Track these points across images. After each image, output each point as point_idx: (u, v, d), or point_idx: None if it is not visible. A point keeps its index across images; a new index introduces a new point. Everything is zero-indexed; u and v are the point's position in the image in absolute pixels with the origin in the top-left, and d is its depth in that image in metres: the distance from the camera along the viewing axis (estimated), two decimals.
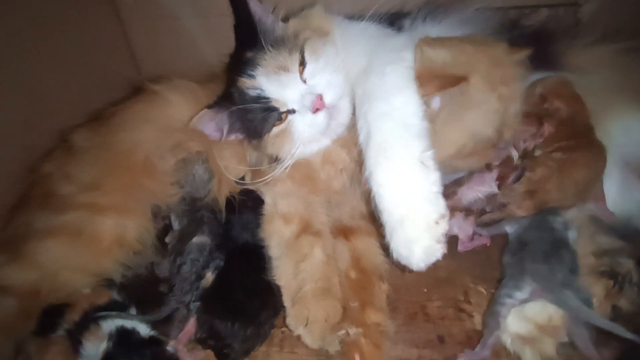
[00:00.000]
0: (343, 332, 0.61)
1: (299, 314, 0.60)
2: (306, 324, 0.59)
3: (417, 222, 0.53)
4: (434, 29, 0.73)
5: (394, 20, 0.75)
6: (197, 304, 0.64)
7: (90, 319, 0.58)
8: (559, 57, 0.76)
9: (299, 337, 0.61)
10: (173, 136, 0.72)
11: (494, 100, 0.61)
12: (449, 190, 0.71)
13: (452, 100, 0.60)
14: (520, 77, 0.64)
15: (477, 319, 0.67)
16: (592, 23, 0.85)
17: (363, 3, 0.80)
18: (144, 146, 0.70)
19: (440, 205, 0.53)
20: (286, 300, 0.63)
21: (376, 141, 0.57)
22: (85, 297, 0.62)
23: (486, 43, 0.66)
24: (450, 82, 0.58)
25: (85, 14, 0.91)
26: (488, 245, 0.73)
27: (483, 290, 0.71)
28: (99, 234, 0.64)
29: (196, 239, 0.67)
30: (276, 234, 0.67)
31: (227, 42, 0.97)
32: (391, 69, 0.61)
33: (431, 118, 0.59)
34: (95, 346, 0.56)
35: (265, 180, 0.69)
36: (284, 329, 0.65)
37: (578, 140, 0.68)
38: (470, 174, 0.72)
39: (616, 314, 0.60)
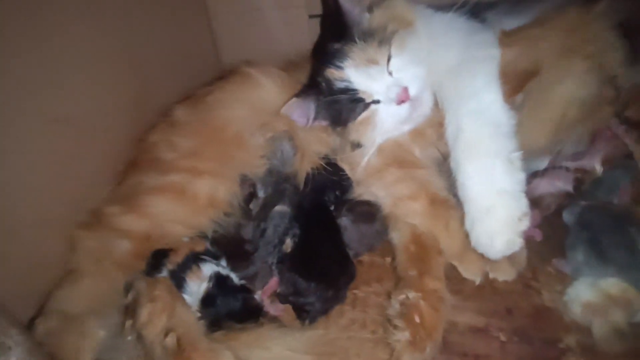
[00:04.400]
0: (403, 296, 0.65)
1: (474, 264, 0.66)
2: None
3: (502, 216, 0.57)
4: (515, 22, 0.75)
5: (476, 12, 0.77)
6: (279, 265, 0.72)
7: (191, 262, 0.68)
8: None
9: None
10: (262, 116, 0.80)
11: (580, 62, 0.62)
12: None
13: (531, 91, 0.62)
14: (606, 28, 0.63)
15: (546, 296, 0.68)
16: None
17: None
18: (236, 123, 0.78)
19: (524, 203, 0.58)
20: (453, 258, 0.68)
21: (466, 136, 0.61)
22: (185, 244, 0.72)
23: (557, 17, 0.66)
24: (522, 81, 0.61)
25: (175, 4, 1.02)
26: (539, 240, 0.74)
27: (552, 270, 0.72)
28: (196, 193, 0.73)
29: (278, 207, 0.75)
30: (409, 214, 0.72)
31: (303, 32, 1.06)
32: (481, 67, 0.64)
33: (518, 109, 0.61)
34: (197, 285, 0.66)
35: (360, 167, 0.75)
36: (355, 290, 0.72)
37: None
38: (550, 168, 0.72)
39: None
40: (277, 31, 1.09)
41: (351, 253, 0.78)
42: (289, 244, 0.74)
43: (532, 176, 0.75)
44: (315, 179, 0.80)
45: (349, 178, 0.80)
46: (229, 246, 0.75)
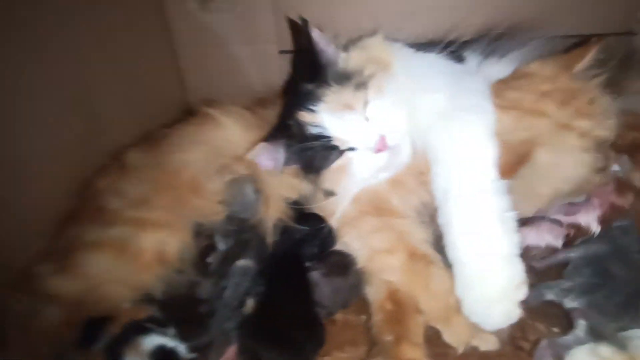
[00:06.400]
0: None
1: (461, 330, 0.59)
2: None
3: (498, 283, 0.53)
4: (495, 66, 0.73)
5: (454, 51, 0.74)
6: (237, 330, 0.63)
7: (130, 333, 0.58)
8: (622, 85, 0.73)
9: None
10: (222, 158, 0.73)
11: (574, 139, 0.59)
12: None
13: (526, 172, 0.59)
14: (598, 92, 0.62)
15: None
16: None
17: (420, 30, 0.82)
18: (192, 166, 0.71)
19: (520, 269, 0.54)
20: (436, 321, 0.61)
21: (458, 193, 0.57)
22: (125, 310, 0.62)
23: (546, 75, 0.63)
24: (519, 161, 0.57)
25: (139, 37, 0.96)
26: None
27: (543, 327, 0.65)
28: (141, 248, 0.65)
29: (241, 262, 0.67)
30: (386, 269, 0.66)
31: (273, 68, 1.02)
32: (476, 121, 0.60)
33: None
34: None
35: (335, 217, 0.69)
36: (326, 357, 0.63)
37: None
38: (540, 218, 0.68)
39: None
40: (246, 67, 1.04)
41: (323, 312, 0.69)
42: (250, 305, 0.65)
43: (522, 222, 0.69)
44: (288, 229, 0.72)
45: (331, 231, 0.72)
46: (181, 310, 0.65)
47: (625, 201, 0.65)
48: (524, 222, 0.69)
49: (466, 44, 0.78)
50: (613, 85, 0.73)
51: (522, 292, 0.53)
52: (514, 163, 0.56)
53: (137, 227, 0.66)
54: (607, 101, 0.63)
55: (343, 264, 0.70)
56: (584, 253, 0.64)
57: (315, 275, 0.70)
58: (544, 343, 0.58)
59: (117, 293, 0.63)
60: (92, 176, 0.75)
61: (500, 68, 0.73)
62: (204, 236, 0.70)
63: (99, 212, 0.68)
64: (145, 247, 0.65)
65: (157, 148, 0.74)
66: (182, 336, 0.61)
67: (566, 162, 0.59)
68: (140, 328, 0.59)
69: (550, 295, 0.61)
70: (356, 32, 0.80)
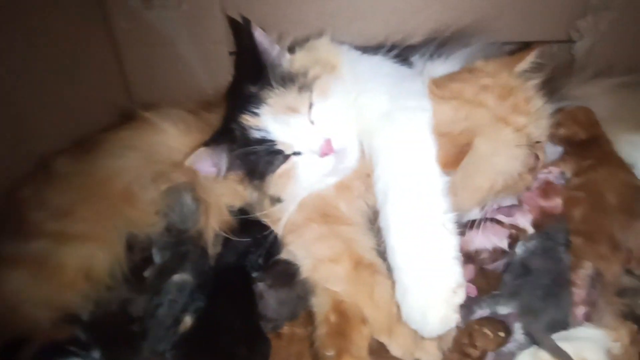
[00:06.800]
0: None
1: (404, 341, 0.57)
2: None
3: (435, 289, 0.52)
4: (440, 68, 0.72)
5: (402, 55, 0.74)
6: (172, 351, 0.59)
7: (47, 357, 0.53)
8: (562, 91, 0.75)
9: None
10: (159, 165, 0.69)
11: (510, 133, 0.59)
12: (458, 230, 0.67)
13: (466, 163, 0.58)
14: (534, 92, 0.63)
15: None
16: (586, 60, 0.85)
17: (369, 33, 0.81)
18: (126, 174, 0.67)
19: (458, 273, 0.53)
20: (380, 332, 0.59)
21: (395, 195, 0.56)
22: (44, 332, 0.56)
23: (488, 71, 0.64)
24: (460, 153, 0.57)
25: (78, 36, 0.90)
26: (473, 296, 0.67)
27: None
28: (63, 264, 0.60)
29: (177, 277, 0.62)
30: (330, 278, 0.63)
31: (223, 69, 0.98)
32: (414, 120, 0.59)
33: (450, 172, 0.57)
34: None
35: (280, 224, 0.66)
36: None
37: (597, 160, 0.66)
38: (484, 220, 0.67)
39: None
40: (194, 68, 1.00)
41: (269, 325, 0.66)
42: (188, 322, 0.61)
43: (467, 226, 0.70)
44: (231, 240, 0.68)
45: (276, 237, 0.69)
46: (110, 330, 0.60)
47: (554, 205, 0.67)
48: (468, 225, 0.70)
49: (414, 48, 0.78)
50: (553, 91, 0.76)
51: (460, 297, 0.52)
52: (455, 154, 0.56)
53: (58, 240, 0.60)
54: (542, 102, 0.64)
55: (288, 274, 0.67)
56: (519, 256, 0.65)
57: (260, 286, 0.67)
58: (490, 357, 0.57)
59: (36, 314, 0.58)
60: (18, 184, 0.69)
61: (445, 69, 0.73)
62: (138, 249, 0.65)
63: (18, 224, 0.62)
64: (68, 262, 0.60)
65: (87, 154, 0.69)
66: (109, 359, 0.56)
67: (501, 154, 0.58)
68: (58, 351, 0.54)
69: (479, 310, 0.61)
70: (306, 33, 0.78)
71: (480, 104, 0.60)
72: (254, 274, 0.69)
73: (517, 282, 0.61)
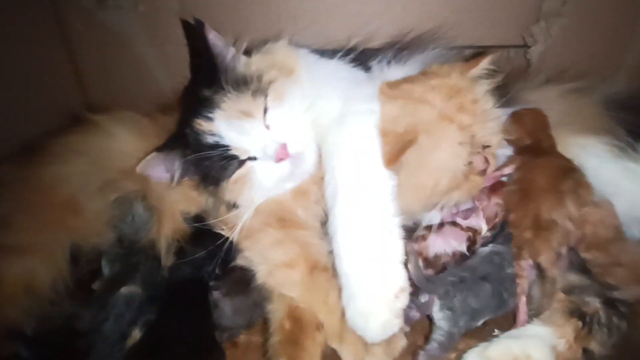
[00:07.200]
0: None
1: (354, 347, 0.57)
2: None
3: (377, 294, 0.52)
4: (398, 72, 0.73)
5: (361, 60, 0.73)
6: None
7: None
8: (515, 95, 0.77)
9: None
10: (108, 172, 0.66)
11: (454, 132, 0.60)
12: (419, 234, 0.67)
13: (409, 156, 0.58)
14: (483, 95, 0.63)
15: None
16: (540, 64, 0.87)
17: (330, 35, 0.80)
18: (71, 181, 0.64)
19: (401, 277, 0.53)
20: (332, 338, 0.59)
21: (342, 200, 0.55)
22: None
23: (441, 74, 0.65)
24: (402, 147, 0.57)
25: (29, 38, 0.87)
26: None
27: None
28: (0, 279, 0.57)
29: (125, 289, 0.60)
30: (286, 284, 0.63)
31: (184, 72, 0.96)
32: (361, 124, 0.59)
33: (396, 171, 0.57)
34: None
35: (235, 230, 0.65)
36: None
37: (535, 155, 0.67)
38: (441, 224, 0.68)
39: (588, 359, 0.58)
40: (153, 70, 0.97)
41: (225, 335, 0.64)
42: (136, 336, 0.59)
43: (429, 229, 0.70)
44: (185, 248, 0.67)
45: (231, 244, 0.67)
46: (55, 345, 0.57)
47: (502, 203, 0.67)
48: (429, 228, 0.70)
49: (374, 52, 0.78)
50: (508, 95, 0.77)
51: (403, 301, 0.52)
52: (397, 150, 0.56)
53: None
54: (491, 105, 0.65)
55: (244, 281, 0.66)
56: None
57: (215, 295, 0.65)
58: (421, 357, 0.58)
59: None
60: None
61: (403, 73, 0.73)
62: (84, 261, 0.63)
63: None
64: (6, 276, 0.57)
65: (31, 160, 0.66)
66: None
67: (443, 149, 0.59)
68: None
69: (413, 312, 0.61)
70: (266, 35, 0.77)
71: (426, 102, 0.60)
72: (211, 283, 0.67)
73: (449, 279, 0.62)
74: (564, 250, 0.61)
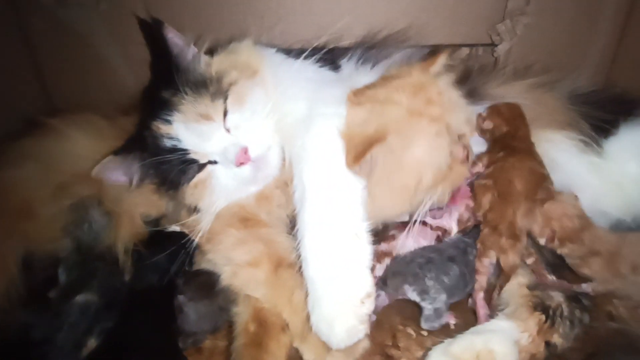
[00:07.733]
0: None
1: (316, 348, 0.56)
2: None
3: (342, 300, 0.51)
4: (366, 77, 0.72)
5: (330, 59, 0.72)
6: None
7: None
8: (483, 91, 0.77)
9: None
10: (62, 176, 0.64)
11: (427, 125, 0.59)
12: (389, 233, 0.67)
13: (378, 157, 0.58)
14: (447, 86, 0.63)
15: None
16: (507, 61, 0.89)
17: (298, 34, 0.79)
18: (24, 185, 0.62)
19: (367, 283, 0.52)
20: (295, 338, 0.58)
21: (309, 205, 0.55)
22: None
23: (401, 75, 0.64)
24: (366, 147, 0.56)
25: None
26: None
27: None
28: None
29: (80, 298, 0.58)
30: (250, 284, 0.61)
31: (149, 71, 0.93)
32: (328, 127, 0.58)
33: (367, 176, 0.57)
34: None
35: (196, 234, 0.63)
36: None
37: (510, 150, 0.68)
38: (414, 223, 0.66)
39: (551, 352, 0.59)
40: (117, 70, 0.94)
41: (189, 340, 0.63)
42: (92, 346, 0.57)
43: (398, 229, 0.70)
44: (144, 253, 0.65)
45: (193, 249, 0.66)
46: (7, 356, 0.55)
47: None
48: (398, 227, 0.70)
49: (344, 51, 0.78)
50: (477, 91, 0.78)
51: (368, 307, 0.51)
52: (361, 149, 0.55)
53: None
54: (457, 95, 0.65)
55: (208, 285, 0.64)
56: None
57: (179, 299, 0.64)
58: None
59: None
60: None
61: (371, 77, 0.73)
62: (38, 268, 0.60)
63: None
64: None
65: None
66: None
67: (420, 144, 0.58)
68: None
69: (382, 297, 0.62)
70: (231, 34, 0.75)
71: (393, 102, 0.60)
72: (178, 280, 0.65)
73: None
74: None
